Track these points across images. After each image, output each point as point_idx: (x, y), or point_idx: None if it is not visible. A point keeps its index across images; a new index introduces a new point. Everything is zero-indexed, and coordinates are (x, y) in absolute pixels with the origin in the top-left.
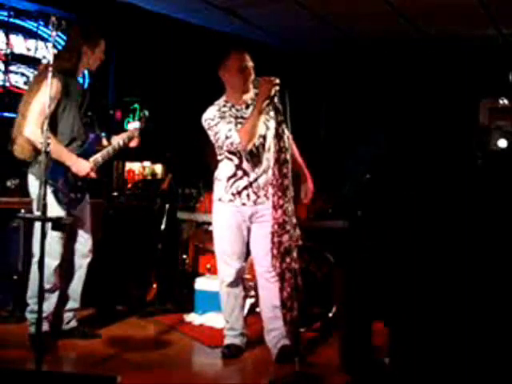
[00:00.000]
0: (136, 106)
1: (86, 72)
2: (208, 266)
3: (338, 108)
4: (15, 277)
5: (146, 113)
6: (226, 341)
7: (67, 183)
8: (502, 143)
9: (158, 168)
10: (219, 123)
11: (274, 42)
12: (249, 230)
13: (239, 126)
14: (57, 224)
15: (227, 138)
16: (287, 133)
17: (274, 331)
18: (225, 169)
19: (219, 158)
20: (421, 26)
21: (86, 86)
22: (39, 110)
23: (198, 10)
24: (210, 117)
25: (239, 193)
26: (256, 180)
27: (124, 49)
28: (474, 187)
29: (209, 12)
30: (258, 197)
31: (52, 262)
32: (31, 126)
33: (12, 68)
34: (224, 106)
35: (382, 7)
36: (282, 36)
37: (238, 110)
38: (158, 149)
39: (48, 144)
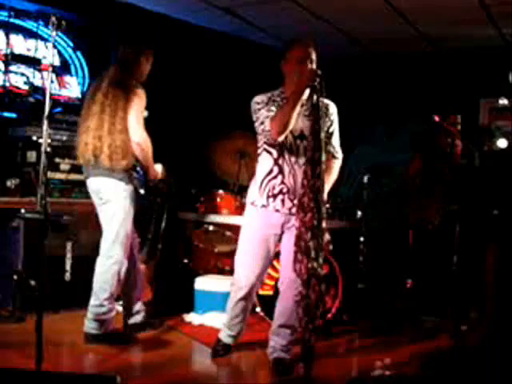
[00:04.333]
0: None
1: (86, 72)
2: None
3: (338, 108)
4: (15, 277)
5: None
6: (219, 335)
7: (143, 184)
8: (502, 143)
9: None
10: (263, 108)
11: (273, 43)
12: (279, 238)
13: None
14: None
15: (262, 123)
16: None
17: (272, 341)
18: (262, 164)
19: (258, 151)
20: (420, 26)
21: (86, 86)
22: (138, 119)
23: (197, 10)
24: (258, 101)
25: (274, 196)
26: (294, 185)
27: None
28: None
29: (209, 12)
30: (294, 205)
31: None
32: (140, 132)
33: (12, 68)
34: (278, 95)
35: (382, 7)
36: (282, 37)
37: None
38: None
39: (49, 144)
